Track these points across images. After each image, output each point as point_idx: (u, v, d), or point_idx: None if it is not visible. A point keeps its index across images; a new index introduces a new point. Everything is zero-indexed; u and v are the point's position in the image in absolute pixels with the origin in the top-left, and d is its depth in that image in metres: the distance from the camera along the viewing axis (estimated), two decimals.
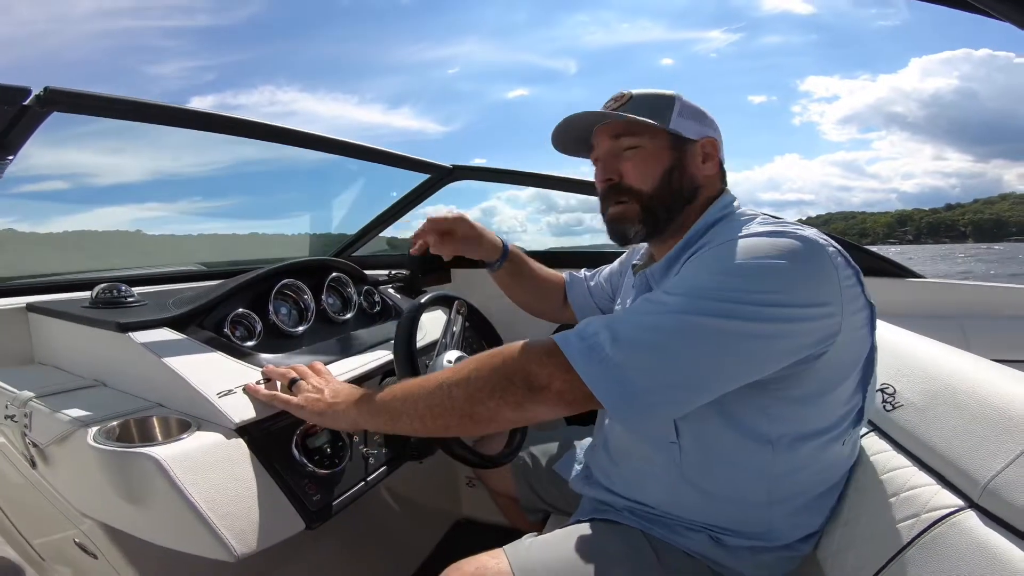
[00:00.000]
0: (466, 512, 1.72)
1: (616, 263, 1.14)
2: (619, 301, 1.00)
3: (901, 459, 0.74)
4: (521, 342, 0.67)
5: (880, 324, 1.00)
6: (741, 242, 0.64)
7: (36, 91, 0.83)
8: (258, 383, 0.87)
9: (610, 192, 0.83)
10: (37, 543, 1.10)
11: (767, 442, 0.69)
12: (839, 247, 0.66)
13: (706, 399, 0.61)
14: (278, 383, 0.87)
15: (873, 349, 0.72)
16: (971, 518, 0.59)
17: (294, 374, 0.86)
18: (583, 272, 1.19)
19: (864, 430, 0.83)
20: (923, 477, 0.68)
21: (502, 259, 1.12)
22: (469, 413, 0.66)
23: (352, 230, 1.88)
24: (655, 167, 0.80)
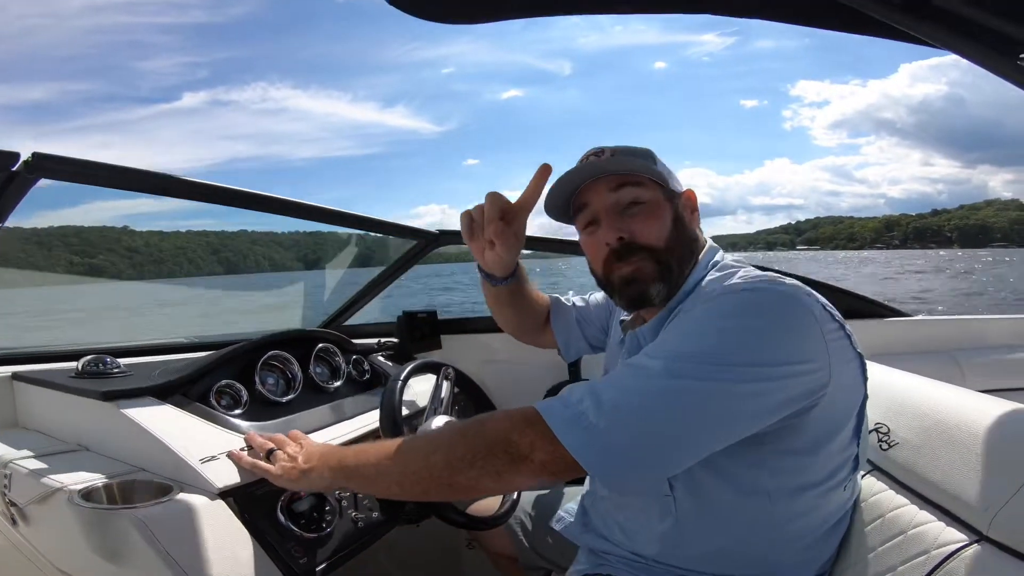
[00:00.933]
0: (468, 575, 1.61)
1: (603, 295, 1.09)
2: (608, 351, 0.98)
3: (902, 497, 0.73)
4: (503, 410, 0.66)
5: (869, 364, 1.01)
6: (722, 301, 0.63)
7: (24, 157, 0.83)
8: (242, 450, 0.87)
9: (622, 250, 0.76)
10: None
11: (765, 494, 0.68)
12: (823, 301, 0.65)
13: (692, 460, 0.60)
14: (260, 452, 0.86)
15: (864, 397, 0.71)
16: (981, 551, 0.59)
17: (271, 445, 0.85)
18: (570, 296, 1.15)
19: (863, 470, 0.82)
20: (927, 514, 0.68)
21: (513, 274, 1.00)
22: (448, 482, 0.64)
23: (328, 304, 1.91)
24: (664, 220, 0.76)
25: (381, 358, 1.48)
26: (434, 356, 1.32)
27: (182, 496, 0.76)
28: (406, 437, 0.73)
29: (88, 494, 0.75)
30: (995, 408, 0.70)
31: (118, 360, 1.07)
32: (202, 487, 0.79)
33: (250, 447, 0.87)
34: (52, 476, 0.80)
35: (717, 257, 0.79)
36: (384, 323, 1.75)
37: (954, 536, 0.62)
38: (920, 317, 1.49)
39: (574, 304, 1.13)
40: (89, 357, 1.03)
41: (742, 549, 0.71)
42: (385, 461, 0.69)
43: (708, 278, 0.74)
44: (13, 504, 0.83)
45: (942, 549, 0.61)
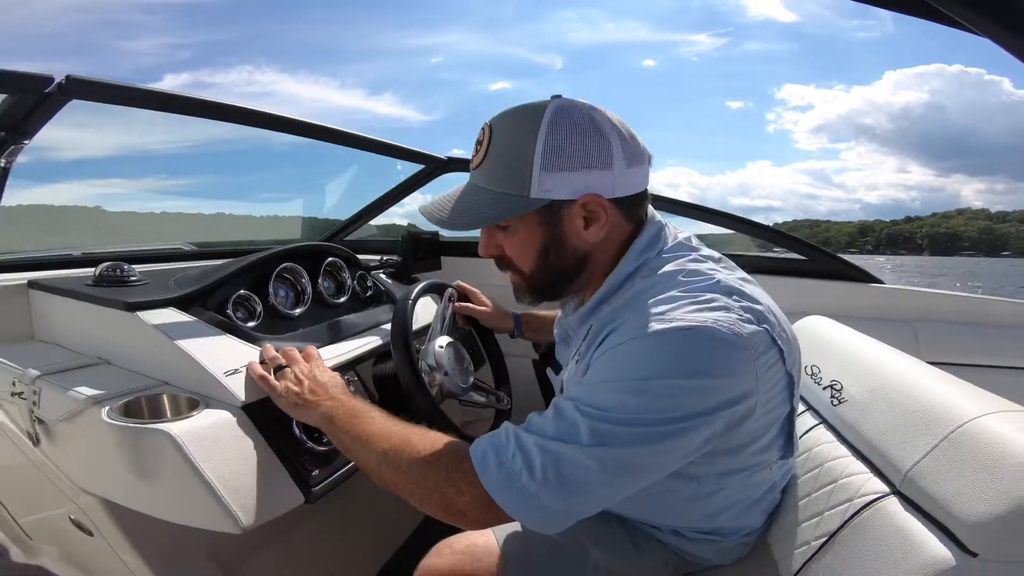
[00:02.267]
0: None
1: None
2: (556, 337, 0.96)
3: (842, 449, 0.81)
4: (445, 444, 0.66)
5: (835, 324, 1.09)
6: (649, 347, 0.59)
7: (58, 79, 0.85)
8: (261, 362, 0.91)
9: (497, 263, 0.77)
10: (26, 522, 1.12)
11: (694, 479, 0.72)
12: (764, 327, 0.63)
13: (619, 501, 0.63)
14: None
15: (793, 410, 0.73)
16: (893, 503, 0.66)
17: (282, 360, 0.89)
18: None
19: (813, 422, 0.92)
20: (858, 466, 0.76)
21: (517, 327, 1.22)
22: (396, 492, 0.68)
23: (330, 213, 1.92)
24: (529, 248, 0.72)
25: (383, 275, 1.53)
26: (435, 277, 1.38)
27: (209, 410, 0.81)
28: (389, 425, 0.73)
29: (119, 410, 0.78)
30: (932, 378, 0.77)
31: (134, 267, 1.08)
32: (227, 400, 0.83)
33: (262, 361, 0.91)
34: (80, 391, 0.81)
35: (659, 243, 0.73)
36: (384, 240, 1.78)
37: (874, 487, 0.70)
38: (889, 286, 1.58)
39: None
40: (107, 264, 1.04)
41: (685, 514, 0.80)
42: (358, 442, 0.72)
43: (639, 273, 0.71)
44: (40, 421, 0.86)
45: (862, 499, 0.69)
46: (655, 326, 0.60)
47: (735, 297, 0.64)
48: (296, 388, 0.83)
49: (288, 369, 0.87)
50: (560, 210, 0.68)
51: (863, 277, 1.60)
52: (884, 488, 0.69)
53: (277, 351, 0.92)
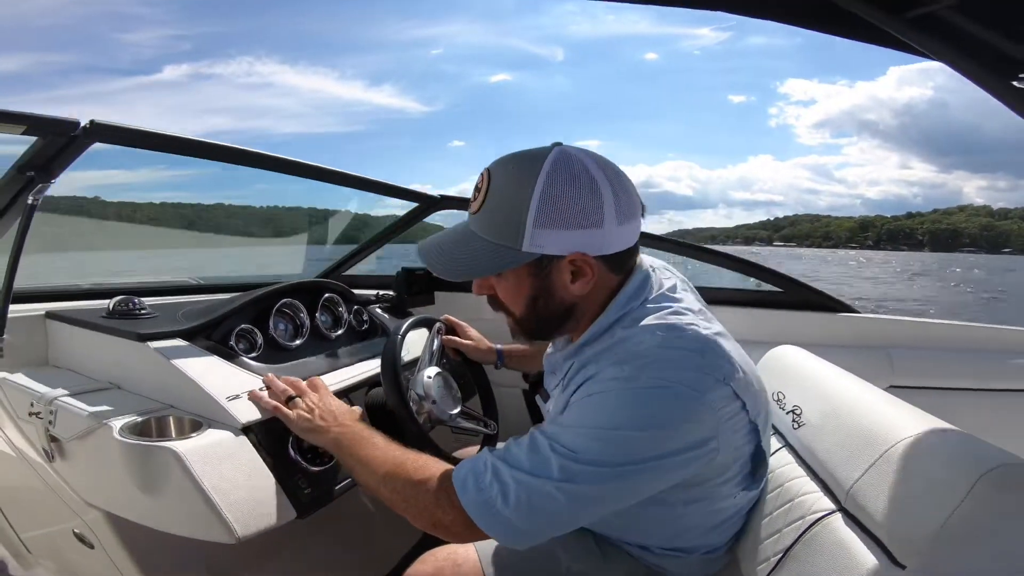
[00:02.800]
0: None
1: None
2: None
3: (799, 470, 0.85)
4: (433, 469, 0.74)
5: (800, 352, 1.15)
6: (619, 397, 0.66)
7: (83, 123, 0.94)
8: (260, 390, 0.99)
9: (490, 303, 0.82)
10: (28, 536, 1.17)
11: (661, 502, 0.76)
12: (729, 383, 0.67)
13: (587, 524, 0.72)
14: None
15: (759, 447, 0.77)
16: (837, 520, 0.70)
17: (292, 392, 0.96)
18: None
19: (778, 445, 0.96)
20: (811, 485, 0.80)
21: (500, 359, 1.29)
22: (392, 507, 0.77)
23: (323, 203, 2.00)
24: (519, 295, 0.76)
25: (379, 310, 1.61)
26: (429, 311, 1.45)
27: (211, 431, 0.88)
28: (392, 451, 0.81)
29: (129, 429, 0.86)
30: (881, 401, 0.81)
31: (143, 300, 1.17)
32: (227, 423, 0.90)
33: (268, 388, 0.99)
34: (92, 412, 0.89)
35: (644, 292, 0.77)
36: (380, 275, 1.87)
37: (823, 505, 0.74)
38: (864, 315, 1.64)
39: None
40: (120, 298, 1.13)
41: (653, 532, 0.85)
42: (361, 464, 0.81)
43: (623, 322, 0.75)
44: (55, 440, 0.93)
45: (813, 515, 0.73)
46: (626, 382, 0.66)
47: (707, 355, 0.68)
48: (308, 416, 0.91)
49: (299, 399, 0.95)
50: (550, 264, 0.72)
51: (838, 307, 1.66)
52: (831, 505, 0.73)
53: (283, 381, 0.99)
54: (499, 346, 1.29)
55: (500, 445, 1.10)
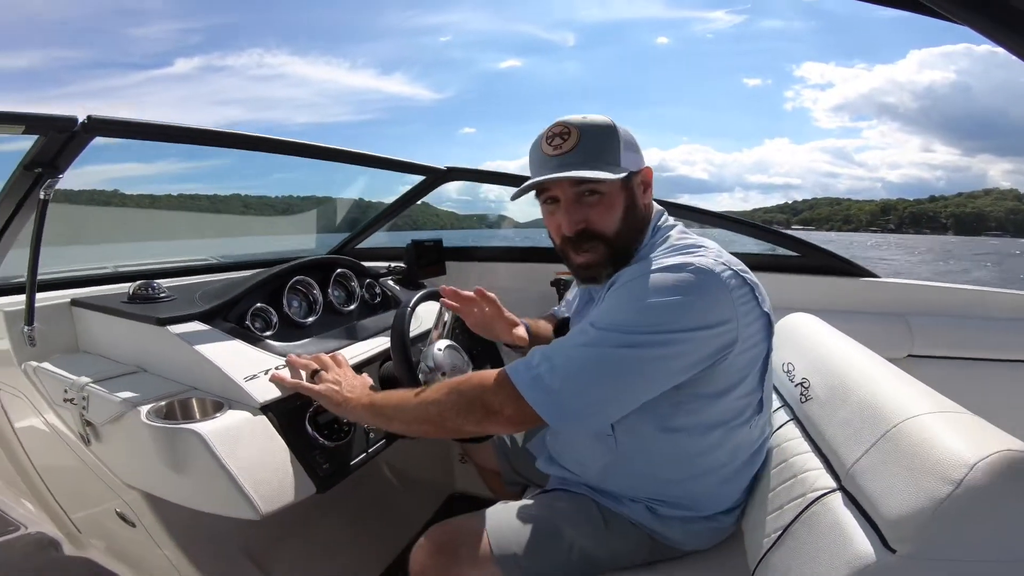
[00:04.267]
0: (459, 487, 1.88)
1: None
2: (573, 308, 1.11)
3: (805, 445, 0.84)
4: (483, 373, 0.81)
5: (814, 320, 1.12)
6: (648, 279, 0.76)
7: (81, 119, 0.95)
8: (278, 368, 1.02)
9: (578, 238, 0.87)
10: (77, 516, 1.25)
11: (683, 431, 0.84)
12: (734, 269, 0.78)
13: (627, 411, 0.76)
14: (301, 372, 1.02)
15: (769, 351, 0.84)
16: (836, 499, 0.69)
17: (315, 365, 1.01)
18: (562, 306, 1.35)
19: (785, 418, 0.96)
20: (815, 461, 0.79)
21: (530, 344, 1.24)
22: (441, 425, 0.82)
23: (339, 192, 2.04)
24: (616, 210, 0.86)
25: (391, 282, 1.63)
26: (440, 281, 1.45)
27: (232, 411, 0.92)
28: (418, 389, 0.87)
29: (155, 412, 0.90)
30: (889, 376, 0.79)
31: (162, 283, 1.21)
32: (247, 402, 0.94)
33: (290, 367, 1.03)
34: (122, 397, 0.93)
35: (659, 223, 0.91)
36: (391, 248, 1.88)
37: (824, 483, 0.73)
38: (884, 279, 1.59)
39: (567, 300, 1.30)
40: (139, 283, 1.17)
41: (666, 478, 0.89)
42: (400, 407, 0.86)
43: (649, 247, 0.88)
44: (89, 424, 0.98)
45: (813, 493, 0.73)
46: (650, 267, 0.78)
47: (713, 252, 0.80)
48: (336, 388, 0.96)
49: (324, 373, 0.99)
50: (632, 180, 0.87)
51: (856, 271, 1.62)
52: (832, 483, 0.72)
53: (306, 358, 1.03)
54: (525, 321, 1.25)
55: None
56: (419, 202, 1.94)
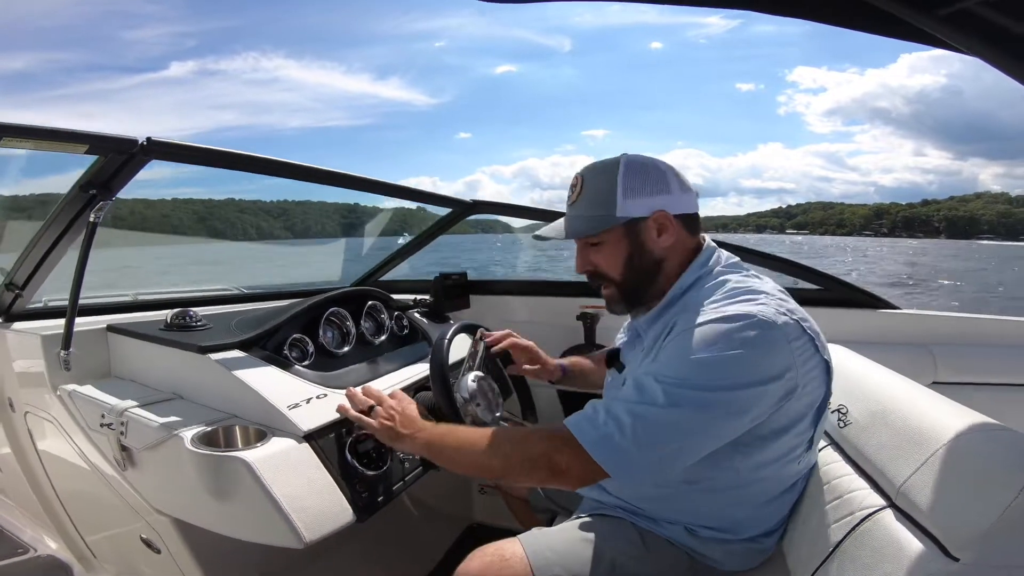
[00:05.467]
0: (478, 517, 1.86)
1: None
2: (621, 343, 1.09)
3: (847, 468, 0.87)
4: (546, 430, 0.82)
5: (843, 351, 1.15)
6: (709, 330, 0.75)
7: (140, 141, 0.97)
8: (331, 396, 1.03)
9: (592, 279, 0.95)
10: (93, 540, 1.23)
11: (734, 470, 0.84)
12: (795, 318, 0.77)
13: (694, 460, 0.76)
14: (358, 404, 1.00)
15: (827, 395, 0.84)
16: (888, 516, 0.71)
17: (372, 402, 0.99)
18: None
19: (824, 443, 0.97)
20: (860, 482, 0.81)
21: (563, 375, 1.26)
22: (503, 476, 0.85)
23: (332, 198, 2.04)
24: (617, 258, 0.90)
25: (417, 315, 1.64)
26: (464, 315, 1.46)
27: (275, 440, 0.91)
28: (478, 431, 0.87)
29: (201, 439, 0.89)
30: (927, 399, 0.83)
31: (198, 311, 1.21)
32: (290, 431, 0.94)
33: (349, 399, 1.01)
34: (161, 423, 0.93)
35: (712, 261, 0.90)
36: (415, 280, 1.90)
37: (872, 501, 0.76)
38: (905, 311, 1.62)
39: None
40: (176, 311, 1.18)
41: (709, 507, 0.89)
42: (461, 451, 0.86)
43: (699, 284, 0.88)
44: (125, 449, 0.97)
45: (863, 511, 0.75)
46: (710, 316, 0.77)
47: (775, 298, 0.80)
48: (390, 423, 0.94)
49: (379, 408, 0.97)
50: (638, 225, 0.88)
51: (878, 304, 1.65)
52: (881, 502, 0.75)
53: (364, 392, 1.02)
54: (564, 362, 1.27)
55: None
56: (415, 206, 1.99)
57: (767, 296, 0.80)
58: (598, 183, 0.90)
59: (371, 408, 0.98)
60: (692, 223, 0.92)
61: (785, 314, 0.77)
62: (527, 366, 1.22)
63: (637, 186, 0.88)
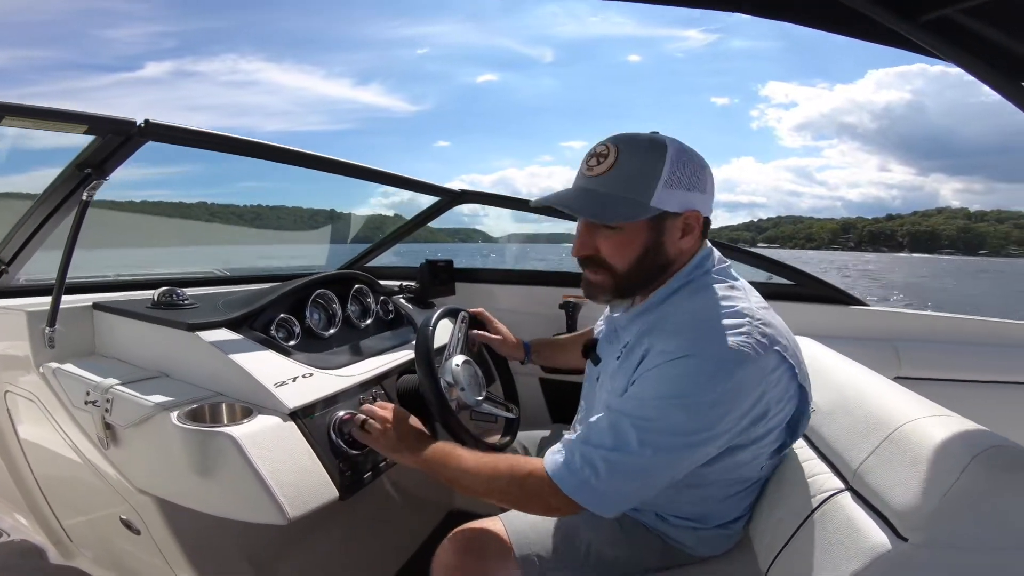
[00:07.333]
0: (458, 504, 1.88)
1: None
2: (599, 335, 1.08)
3: (811, 453, 0.90)
4: (530, 467, 0.81)
5: (813, 344, 1.20)
6: (684, 369, 0.73)
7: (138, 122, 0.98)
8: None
9: (586, 262, 0.87)
10: (70, 524, 1.23)
11: (702, 474, 0.83)
12: (776, 348, 0.76)
13: (668, 486, 0.78)
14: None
15: (804, 411, 0.85)
16: (845, 498, 0.75)
17: (362, 417, 1.00)
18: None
19: None
20: (821, 466, 0.85)
21: (527, 355, 1.31)
22: (500, 502, 0.85)
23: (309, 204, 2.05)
24: (631, 251, 0.82)
25: (403, 300, 1.67)
26: (449, 301, 1.48)
27: (261, 417, 0.93)
28: (474, 457, 0.87)
29: (187, 416, 0.90)
30: (885, 389, 0.88)
31: (185, 291, 1.22)
32: (277, 408, 0.95)
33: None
34: (147, 399, 0.94)
35: (706, 264, 0.85)
36: (402, 267, 1.92)
37: (832, 484, 0.79)
38: (873, 308, 1.68)
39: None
40: (163, 289, 1.18)
41: (678, 503, 0.92)
42: (462, 475, 0.86)
43: (684, 289, 0.84)
44: (109, 427, 0.97)
45: (822, 495, 0.79)
46: (691, 350, 0.74)
47: (756, 323, 0.76)
48: (383, 434, 0.97)
49: (372, 422, 0.99)
50: (666, 221, 0.81)
51: (848, 300, 1.71)
52: (840, 485, 0.79)
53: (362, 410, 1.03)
54: (526, 341, 1.32)
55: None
56: (393, 213, 2.01)
57: (749, 322, 0.76)
58: (639, 162, 0.79)
59: (364, 422, 0.99)
60: (707, 229, 0.87)
61: (765, 343, 0.75)
62: (490, 335, 1.26)
63: (684, 177, 0.80)
